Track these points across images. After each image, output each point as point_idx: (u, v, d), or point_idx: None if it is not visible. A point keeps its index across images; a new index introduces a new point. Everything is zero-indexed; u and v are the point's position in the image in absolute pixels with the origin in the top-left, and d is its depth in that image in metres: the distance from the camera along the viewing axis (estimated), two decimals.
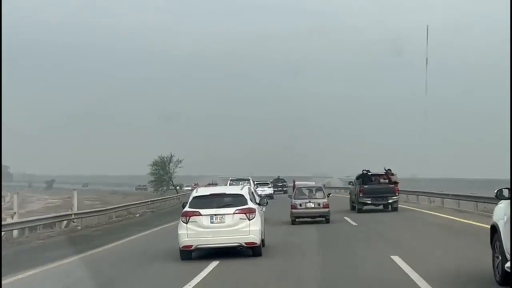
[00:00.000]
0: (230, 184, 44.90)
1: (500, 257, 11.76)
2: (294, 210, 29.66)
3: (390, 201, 36.31)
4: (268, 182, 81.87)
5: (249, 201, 17.89)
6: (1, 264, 17.23)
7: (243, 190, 18.63)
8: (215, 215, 17.56)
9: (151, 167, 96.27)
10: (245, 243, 17.50)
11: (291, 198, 31.22)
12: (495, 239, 12.13)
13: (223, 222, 17.49)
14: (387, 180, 37.32)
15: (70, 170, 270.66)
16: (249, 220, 17.50)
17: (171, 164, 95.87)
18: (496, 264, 12.08)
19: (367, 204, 36.44)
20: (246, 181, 47.43)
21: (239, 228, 17.45)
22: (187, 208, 17.86)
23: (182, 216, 17.87)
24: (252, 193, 19.44)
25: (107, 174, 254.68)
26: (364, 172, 38.13)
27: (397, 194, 36.59)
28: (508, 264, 11.28)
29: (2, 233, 25.15)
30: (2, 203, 60.81)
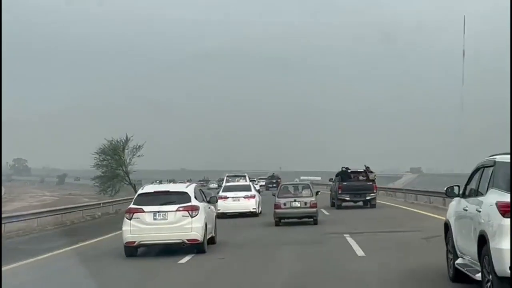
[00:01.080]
0: (226, 180, 45.86)
1: (452, 254, 11.99)
2: (277, 210, 26.18)
3: (368, 197, 36.97)
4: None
5: (193, 199, 18.00)
6: (1, 255, 17.63)
7: (188, 188, 18.81)
8: (158, 212, 17.69)
9: (97, 156, 60.23)
10: (187, 239, 17.61)
11: (275, 196, 27.26)
12: (448, 236, 12.35)
13: (166, 219, 17.60)
14: (365, 178, 38.18)
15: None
16: (192, 217, 17.60)
17: (126, 151, 60.08)
18: (449, 261, 12.28)
19: (345, 200, 37.14)
20: (242, 177, 48.03)
21: (181, 225, 17.57)
22: (131, 205, 18.11)
23: (126, 212, 18.16)
24: (200, 191, 19.62)
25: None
26: (343, 169, 38.90)
27: (374, 191, 37.33)
28: (458, 261, 11.59)
29: None
30: None
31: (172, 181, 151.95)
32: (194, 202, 18.02)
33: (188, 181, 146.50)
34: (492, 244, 9.53)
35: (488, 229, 9.74)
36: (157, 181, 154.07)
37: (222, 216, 30.54)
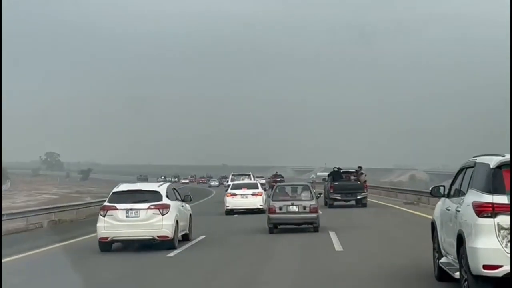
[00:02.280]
0: (232, 179, 47.18)
1: (437, 253, 12.03)
2: (272, 215, 22.34)
3: (358, 197, 37.13)
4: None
5: (164, 198, 18.57)
6: (1, 248, 17.94)
7: (160, 187, 19.31)
8: (130, 209, 18.31)
9: None
10: (158, 236, 18.18)
11: (269, 198, 24.30)
12: (434, 235, 12.41)
13: (138, 217, 18.22)
14: (356, 178, 38.38)
15: (128, 160, 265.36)
16: (162, 215, 18.19)
17: None
18: (435, 259, 12.31)
19: (337, 200, 37.25)
20: (247, 176, 49.37)
21: (152, 222, 18.16)
22: (105, 203, 18.84)
23: (100, 210, 18.88)
24: (173, 189, 20.16)
25: (163, 163, 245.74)
26: (335, 169, 39.21)
27: (365, 191, 37.59)
28: (442, 260, 11.63)
29: None
30: None
31: (177, 177, 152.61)
32: (165, 200, 18.56)
33: (191, 177, 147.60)
34: (468, 243, 9.61)
35: (465, 228, 9.82)
36: (163, 177, 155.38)
37: (230, 212, 33.55)
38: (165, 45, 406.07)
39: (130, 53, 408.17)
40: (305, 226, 22.52)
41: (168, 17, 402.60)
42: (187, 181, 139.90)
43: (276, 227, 22.65)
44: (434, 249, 12.46)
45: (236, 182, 40.33)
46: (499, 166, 9.56)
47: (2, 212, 25.66)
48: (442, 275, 11.65)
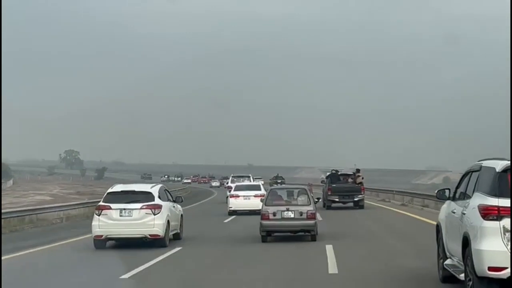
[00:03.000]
0: (232, 180, 48.06)
1: (442, 255, 12.06)
2: (265, 222, 19.98)
3: (356, 199, 37.31)
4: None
5: (156, 198, 19.33)
6: (1, 245, 18.11)
7: (152, 188, 20.04)
8: (124, 209, 19.01)
9: None
10: (150, 235, 18.89)
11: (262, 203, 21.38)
12: (439, 237, 12.46)
13: (131, 216, 18.93)
14: (354, 180, 38.59)
15: (155, 159, 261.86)
16: (154, 215, 18.94)
17: None
18: (439, 261, 12.32)
19: (335, 201, 37.45)
20: (247, 178, 49.75)
21: (144, 221, 18.87)
22: (100, 202, 19.54)
23: (96, 209, 19.59)
24: (165, 191, 20.78)
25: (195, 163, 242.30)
26: (333, 172, 39.45)
27: (362, 193, 37.73)
28: (447, 262, 11.68)
29: None
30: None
31: (180, 176, 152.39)
32: (157, 201, 19.31)
33: (194, 177, 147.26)
34: (473, 245, 9.69)
35: (470, 230, 9.91)
36: (166, 176, 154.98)
37: (233, 213, 33.82)
38: (186, 45, 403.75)
39: (152, 52, 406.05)
40: (303, 233, 20.29)
41: (195, 18, 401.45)
42: (189, 180, 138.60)
43: (270, 235, 20.35)
44: (438, 251, 12.52)
45: (239, 183, 40.83)
46: (505, 170, 9.65)
47: None
48: (447, 277, 11.71)
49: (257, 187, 36.23)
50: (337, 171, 39.76)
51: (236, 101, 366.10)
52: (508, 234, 9.30)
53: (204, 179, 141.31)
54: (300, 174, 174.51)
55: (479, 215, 9.61)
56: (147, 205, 19.05)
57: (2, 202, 30.00)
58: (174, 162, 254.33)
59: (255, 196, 34.07)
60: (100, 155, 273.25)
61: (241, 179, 48.84)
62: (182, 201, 22.47)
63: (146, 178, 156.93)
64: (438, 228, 12.58)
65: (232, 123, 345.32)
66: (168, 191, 21.47)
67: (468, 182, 11.14)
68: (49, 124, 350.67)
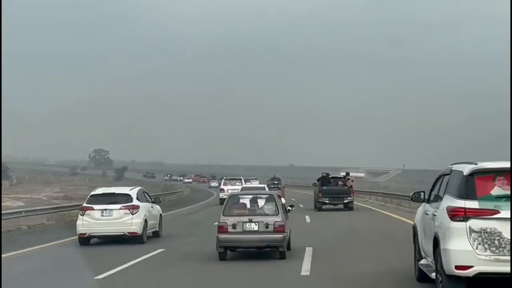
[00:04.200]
0: (224, 183, 49.61)
1: (418, 255, 12.32)
2: (222, 236, 16.03)
3: (345, 201, 37.84)
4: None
5: (134, 200, 20.91)
6: (1, 245, 18.33)
7: (131, 191, 21.54)
8: (105, 209, 20.59)
9: None
10: (128, 232, 20.46)
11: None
12: (415, 239, 12.71)
13: (111, 216, 20.51)
14: (344, 183, 39.08)
15: (197, 159, 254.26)
16: (132, 214, 20.52)
17: None
18: (415, 261, 12.57)
19: (325, 203, 37.94)
20: (238, 180, 50.34)
21: (123, 220, 20.44)
22: (84, 204, 21.17)
23: (79, 210, 21.27)
24: (143, 193, 22.20)
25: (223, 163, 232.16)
26: (324, 175, 39.88)
27: (351, 195, 38.25)
28: (422, 262, 11.93)
29: None
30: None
31: (183, 175, 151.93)
32: (135, 202, 20.87)
33: (195, 176, 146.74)
34: (442, 245, 9.96)
35: (440, 231, 10.18)
36: (169, 175, 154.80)
37: None
38: (222, 44, 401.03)
39: (187, 50, 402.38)
40: (270, 249, 16.48)
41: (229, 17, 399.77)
42: (190, 180, 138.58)
43: (233, 250, 16.69)
44: (415, 251, 12.74)
45: (244, 185, 42.56)
46: (472, 174, 9.90)
47: None
48: (422, 276, 11.91)
49: (262, 190, 36.18)
50: (328, 174, 40.33)
51: (273, 99, 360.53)
52: (474, 235, 9.56)
53: (203, 178, 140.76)
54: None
55: (447, 216, 9.87)
56: (126, 205, 20.59)
57: None
58: (209, 163, 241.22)
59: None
60: (136, 155, 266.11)
61: (233, 182, 49.70)
62: (160, 202, 23.98)
63: (149, 177, 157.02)
64: (414, 229, 12.84)
65: (269, 122, 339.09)
66: (147, 193, 22.89)
67: (440, 185, 11.41)
68: (85, 122, 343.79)
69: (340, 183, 39.15)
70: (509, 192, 9.63)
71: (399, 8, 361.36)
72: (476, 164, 10.11)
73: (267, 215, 16.31)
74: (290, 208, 18.58)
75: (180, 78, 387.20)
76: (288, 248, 16.96)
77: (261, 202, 16.89)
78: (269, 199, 16.89)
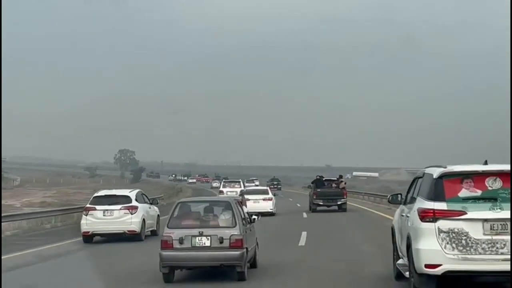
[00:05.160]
0: (223, 185, 49.83)
1: (396, 255, 12.53)
2: (166, 253, 13.02)
3: (339, 202, 38.11)
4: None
5: (133, 201, 22.30)
6: (1, 245, 18.67)
7: (131, 193, 23.04)
8: (106, 210, 22.04)
9: None
10: (128, 230, 21.89)
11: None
12: (394, 239, 12.88)
13: (112, 215, 21.97)
14: (337, 185, 39.44)
15: (232, 160, 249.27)
16: (131, 214, 21.95)
17: None
18: (394, 261, 12.75)
19: (320, 205, 38.15)
20: (237, 183, 50.60)
21: (123, 220, 21.89)
22: (87, 205, 22.63)
23: (84, 210, 22.60)
24: (142, 195, 23.59)
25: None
26: (318, 177, 40.17)
27: (345, 197, 38.57)
28: (399, 261, 12.19)
29: None
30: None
31: (188, 175, 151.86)
32: (134, 203, 22.29)
33: (200, 176, 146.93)
34: (413, 245, 10.26)
35: (412, 231, 10.47)
36: (173, 175, 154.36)
37: None
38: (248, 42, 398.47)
39: (212, 48, 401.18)
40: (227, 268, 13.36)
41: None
42: (194, 180, 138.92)
43: (187, 269, 13.66)
44: (393, 251, 12.98)
45: (248, 188, 43.38)
46: (441, 177, 10.18)
47: None
48: (400, 275, 12.15)
49: (265, 191, 38.09)
50: (321, 176, 40.68)
51: (312, 100, 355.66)
52: (442, 235, 9.84)
53: (206, 178, 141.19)
54: (385, 177, 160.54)
55: (417, 217, 10.15)
56: (125, 206, 22.03)
57: None
58: (239, 164, 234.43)
59: (264, 200, 36.22)
60: (165, 156, 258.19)
61: (232, 184, 50.08)
62: (157, 203, 25.47)
63: (153, 176, 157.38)
64: (392, 230, 13.09)
65: (311, 123, 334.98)
66: (145, 195, 24.29)
67: (415, 187, 11.69)
68: (113, 123, 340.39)
69: (333, 185, 39.53)
70: (475, 194, 9.92)
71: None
72: (445, 167, 10.40)
73: (222, 227, 13.23)
74: (255, 218, 15.27)
75: (214, 78, 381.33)
76: (254, 265, 14.45)
77: (216, 211, 13.81)
78: (226, 207, 13.62)
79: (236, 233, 13.08)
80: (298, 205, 42.67)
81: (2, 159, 75.91)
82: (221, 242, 12.99)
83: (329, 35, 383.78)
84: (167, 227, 13.26)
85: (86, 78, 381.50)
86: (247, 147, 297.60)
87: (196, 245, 12.97)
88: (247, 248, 13.34)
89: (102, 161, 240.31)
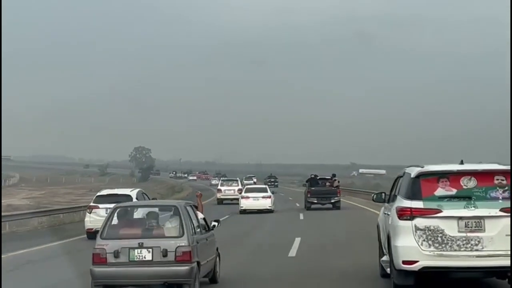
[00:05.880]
0: (221, 184, 50.49)
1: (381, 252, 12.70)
2: (99, 269, 10.83)
3: (332, 200, 38.52)
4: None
5: (134, 199, 23.01)
6: (1, 244, 18.76)
7: (131, 192, 23.98)
8: (108, 208, 21.83)
9: None
10: None
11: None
12: (379, 236, 13.08)
13: None
14: (331, 184, 39.84)
15: (259, 158, 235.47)
16: None
17: None
18: (379, 258, 12.86)
19: (314, 203, 38.58)
20: (235, 181, 50.93)
21: None
22: (91, 203, 23.79)
23: (87, 208, 23.69)
24: (142, 193, 24.34)
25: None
26: (312, 176, 40.60)
27: (338, 195, 38.92)
28: (383, 258, 12.32)
29: None
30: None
31: (188, 172, 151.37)
32: (134, 201, 22.84)
33: (199, 173, 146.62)
34: (392, 242, 10.51)
35: (391, 229, 10.73)
36: (174, 172, 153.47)
37: (244, 212, 36.75)
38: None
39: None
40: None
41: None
42: (194, 177, 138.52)
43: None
44: (379, 248, 13.17)
45: (249, 186, 44.72)
46: (418, 176, 10.42)
47: None
48: (384, 271, 12.28)
49: (264, 190, 39.27)
50: (316, 175, 41.09)
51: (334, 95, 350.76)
52: (419, 232, 10.08)
53: (206, 175, 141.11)
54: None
55: (396, 215, 10.39)
56: None
57: None
58: (259, 161, 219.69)
59: (263, 197, 37.37)
60: (185, 154, 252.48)
61: (230, 183, 50.58)
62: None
63: (154, 174, 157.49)
64: (378, 228, 13.31)
65: (337, 120, 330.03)
66: (146, 194, 25.22)
67: (396, 186, 11.92)
68: (131, 120, 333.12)
69: (327, 184, 39.86)
70: (451, 193, 10.17)
71: None
72: (422, 167, 10.64)
73: (167, 237, 10.88)
74: (215, 224, 13.18)
75: (236, 73, 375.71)
76: (214, 281, 12.67)
77: (161, 218, 11.53)
78: (174, 213, 11.35)
79: (183, 244, 10.74)
80: (298, 204, 42.77)
81: (6, 158, 75.89)
82: (165, 255, 10.73)
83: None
84: (100, 237, 10.93)
85: (103, 75, 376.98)
86: (268, 145, 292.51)
87: (135, 259, 10.70)
88: (198, 262, 11.06)
89: (121, 160, 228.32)
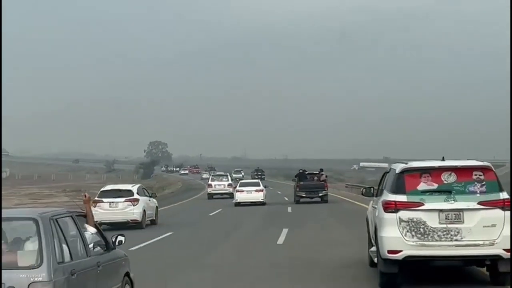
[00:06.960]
0: (211, 179, 51.11)
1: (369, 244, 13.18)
2: None
3: (320, 194, 39.16)
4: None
5: (135, 194, 24.96)
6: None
7: (133, 187, 25.85)
8: (112, 202, 24.73)
9: None
10: (130, 220, 24.51)
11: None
12: (368, 228, 13.61)
13: (117, 207, 24.63)
14: (318, 178, 40.37)
15: (279, 153, 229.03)
16: (133, 205, 24.62)
17: None
18: (368, 249, 13.34)
19: (302, 197, 39.27)
20: (225, 176, 51.70)
21: (126, 210, 24.54)
22: (96, 198, 24.86)
23: (92, 202, 23.74)
24: (142, 189, 26.35)
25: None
26: (300, 171, 41.18)
27: (326, 189, 39.57)
28: (372, 249, 12.79)
29: None
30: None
31: (180, 166, 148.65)
32: (135, 196, 24.96)
33: (191, 167, 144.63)
34: (378, 233, 11.09)
35: (378, 221, 11.31)
36: (166, 166, 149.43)
37: (238, 204, 38.46)
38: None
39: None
40: None
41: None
42: (186, 171, 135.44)
43: None
44: (368, 240, 13.67)
45: (243, 180, 47.59)
46: (402, 172, 11.01)
47: None
48: (372, 261, 12.82)
49: (257, 184, 41.44)
50: (304, 170, 41.56)
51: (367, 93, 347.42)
52: (403, 224, 10.66)
53: (197, 169, 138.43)
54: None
55: (382, 208, 10.97)
56: (128, 199, 24.72)
57: None
58: (285, 156, 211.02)
59: (256, 191, 39.51)
60: (208, 150, 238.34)
61: (220, 178, 51.27)
62: (156, 196, 28.51)
63: (169, 171, 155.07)
64: (367, 220, 13.87)
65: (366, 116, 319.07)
66: (146, 189, 27.19)
67: (383, 181, 12.49)
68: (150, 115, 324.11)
69: (315, 178, 40.43)
70: (432, 187, 10.76)
71: None
72: (406, 163, 11.22)
73: (20, 268, 7.05)
74: (122, 240, 9.05)
75: (262, 68, 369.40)
76: None
77: (12, 239, 7.55)
78: (31, 230, 7.32)
79: (40, 278, 6.90)
80: (286, 198, 43.41)
81: (3, 153, 75.28)
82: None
83: None
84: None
85: (121, 68, 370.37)
86: (294, 139, 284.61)
87: None
88: None
89: (136, 156, 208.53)
